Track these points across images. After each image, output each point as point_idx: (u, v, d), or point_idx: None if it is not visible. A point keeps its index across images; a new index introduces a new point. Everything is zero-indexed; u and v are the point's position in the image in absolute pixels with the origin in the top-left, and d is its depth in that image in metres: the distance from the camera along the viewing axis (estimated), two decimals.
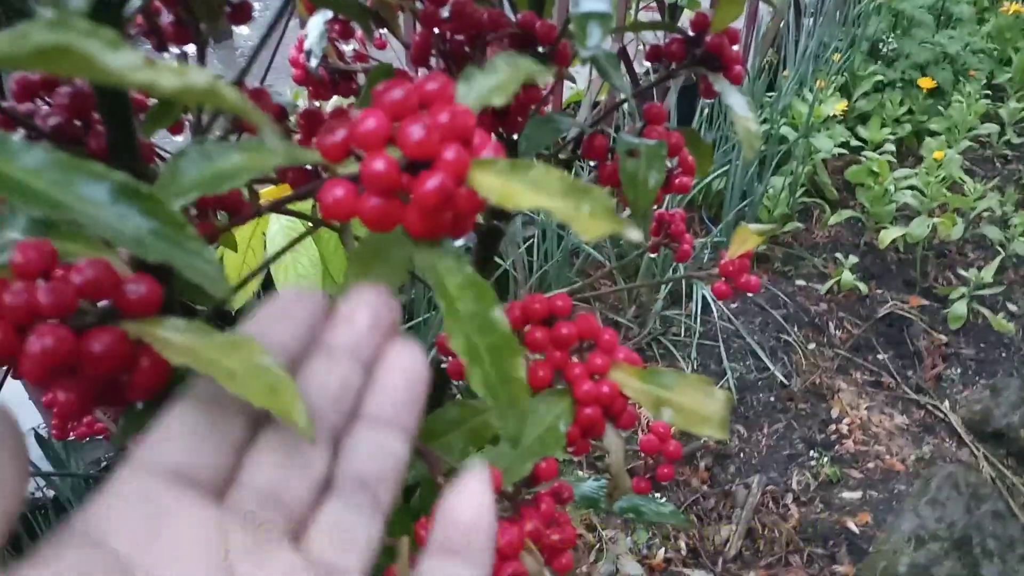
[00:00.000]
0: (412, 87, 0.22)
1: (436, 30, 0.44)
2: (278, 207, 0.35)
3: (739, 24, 0.63)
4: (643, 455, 0.54)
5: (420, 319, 1.56)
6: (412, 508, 0.47)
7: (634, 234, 0.20)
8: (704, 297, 1.82)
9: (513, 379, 0.24)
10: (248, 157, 0.24)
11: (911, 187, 2.09)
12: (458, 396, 0.63)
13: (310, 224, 0.50)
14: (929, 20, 2.68)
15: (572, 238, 1.83)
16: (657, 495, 1.46)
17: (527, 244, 1.82)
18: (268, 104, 0.40)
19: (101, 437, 0.66)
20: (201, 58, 0.37)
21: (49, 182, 0.19)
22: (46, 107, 0.36)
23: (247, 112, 0.19)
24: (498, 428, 0.39)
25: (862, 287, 1.97)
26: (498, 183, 0.22)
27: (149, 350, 0.25)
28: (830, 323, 1.91)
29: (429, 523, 0.31)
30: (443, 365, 0.57)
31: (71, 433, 0.64)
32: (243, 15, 0.39)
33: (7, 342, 0.24)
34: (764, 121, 2.28)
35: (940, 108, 2.54)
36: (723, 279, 0.53)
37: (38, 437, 1.28)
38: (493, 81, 0.30)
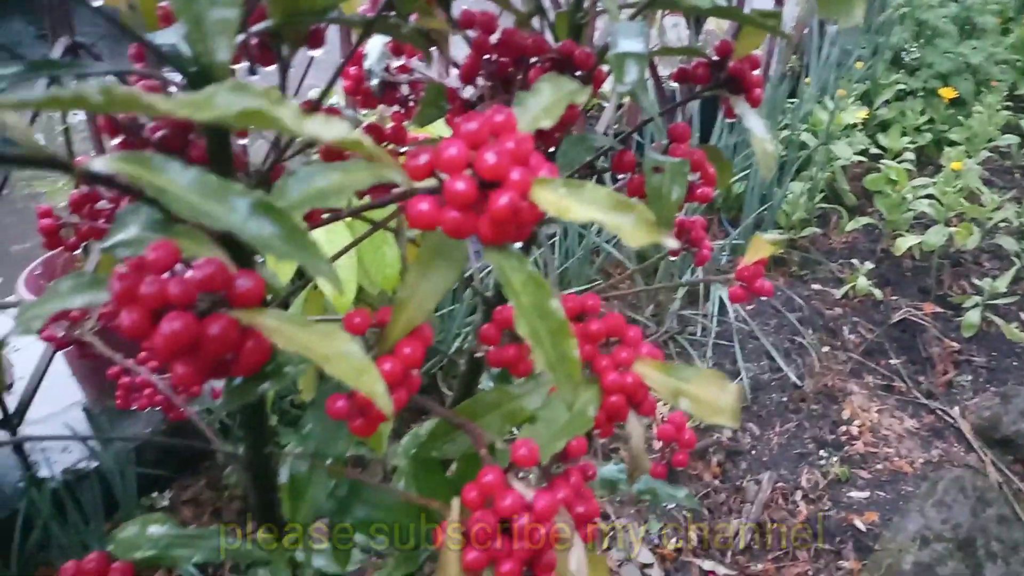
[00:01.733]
0: (484, 119, 0.27)
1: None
2: (354, 213, 0.40)
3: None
4: (660, 443, 0.59)
5: (445, 310, 1.61)
6: (450, 479, 0.53)
7: (670, 243, 0.25)
8: (721, 298, 1.86)
9: (569, 358, 0.29)
10: (343, 177, 0.29)
11: (929, 196, 2.12)
12: (490, 382, 0.68)
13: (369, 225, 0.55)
14: (953, 30, 2.71)
15: (592, 237, 1.88)
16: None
17: (549, 242, 1.86)
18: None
19: (159, 408, 0.71)
20: (282, 78, 0.43)
21: (203, 197, 0.24)
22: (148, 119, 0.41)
23: (380, 158, 0.25)
24: (533, 409, 0.44)
25: (877, 293, 2.01)
26: (555, 199, 0.27)
27: (253, 334, 0.30)
28: (844, 327, 1.95)
29: (474, 489, 0.36)
30: (477, 355, 0.62)
31: (134, 404, 0.70)
32: (318, 40, 0.44)
33: (142, 325, 0.29)
34: (785, 127, 2.31)
35: (961, 118, 2.57)
36: (739, 284, 0.58)
37: (86, 411, 1.35)
38: (543, 102, 0.35)
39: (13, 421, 1.20)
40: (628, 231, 0.26)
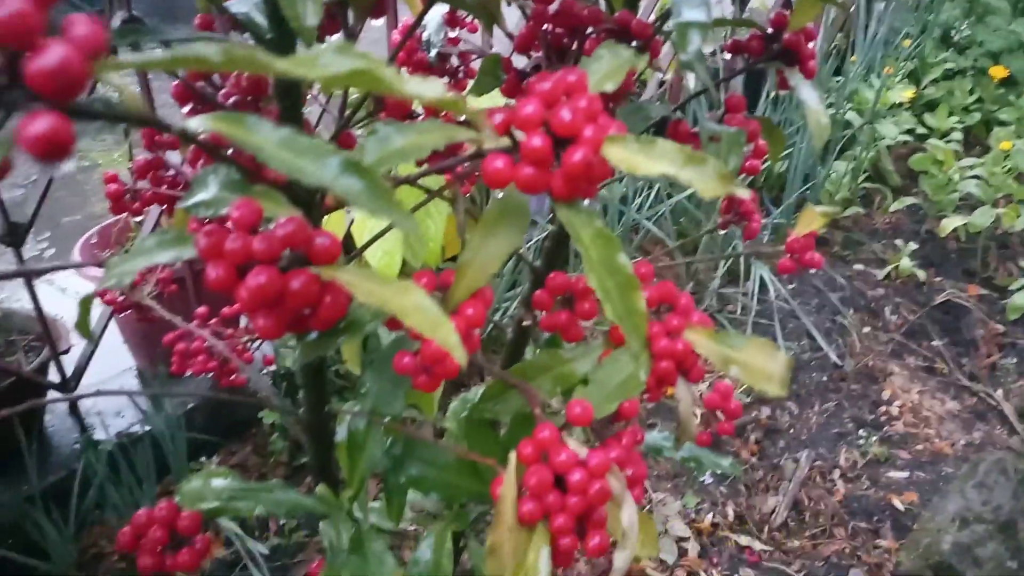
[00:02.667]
0: (558, 79, 0.29)
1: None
2: (410, 180, 0.42)
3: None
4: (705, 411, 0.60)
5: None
6: (501, 440, 0.54)
7: (743, 192, 0.26)
8: (761, 277, 1.85)
9: (636, 311, 0.30)
10: (419, 137, 0.31)
11: (976, 176, 2.08)
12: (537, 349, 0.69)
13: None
14: (1005, 7, 2.64)
15: (632, 214, 1.88)
16: None
17: None
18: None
19: (211, 374, 0.73)
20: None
21: (296, 154, 0.26)
22: (222, 86, 0.43)
23: (474, 118, 0.26)
24: (583, 373, 0.45)
25: (920, 274, 1.98)
26: (627, 154, 0.28)
27: (331, 289, 0.31)
28: (886, 308, 1.93)
29: (530, 445, 0.37)
30: (525, 323, 0.64)
31: (188, 369, 0.72)
32: (382, 9, 0.45)
33: (228, 279, 0.30)
34: (830, 106, 2.28)
35: (1012, 98, 2.51)
36: (788, 256, 0.58)
37: (140, 375, 1.39)
38: (604, 68, 0.36)
39: (70, 384, 1.24)
40: (702, 184, 0.27)
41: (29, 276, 0.85)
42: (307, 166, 0.25)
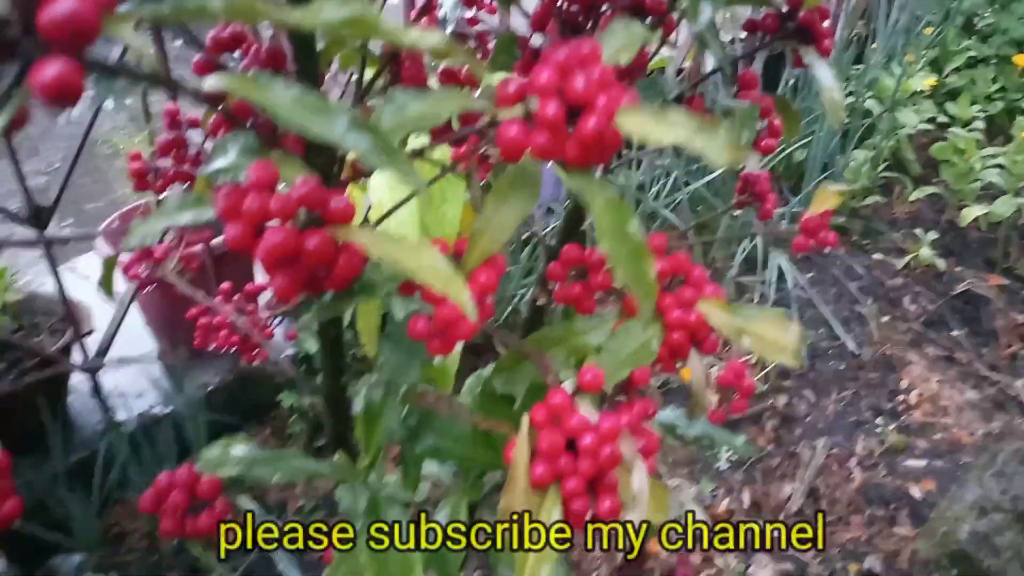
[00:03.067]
0: (572, 49, 0.29)
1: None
2: (420, 154, 0.42)
3: None
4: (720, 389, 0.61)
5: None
6: (515, 412, 0.55)
7: (754, 162, 0.27)
8: (779, 265, 1.85)
9: (646, 278, 0.31)
10: (435, 104, 0.31)
11: (998, 165, 2.06)
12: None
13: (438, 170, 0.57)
14: None
15: (649, 202, 1.88)
16: (723, 446, 1.52)
17: None
18: (420, 64, 0.47)
19: (234, 349, 0.74)
20: None
21: (306, 112, 0.27)
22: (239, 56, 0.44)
23: (474, 67, 0.27)
24: (597, 344, 0.46)
25: (940, 264, 1.97)
26: (640, 122, 0.28)
27: (347, 249, 0.32)
28: (905, 297, 1.92)
29: (543, 409, 0.38)
30: (540, 302, 0.64)
31: (212, 343, 0.73)
32: None
33: (246, 237, 0.31)
34: (849, 94, 2.27)
35: None
36: (803, 234, 0.58)
37: (161, 358, 1.41)
38: (618, 42, 0.36)
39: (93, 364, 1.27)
40: (713, 151, 0.27)
41: (50, 244, 0.86)
42: (317, 122, 0.26)
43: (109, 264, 0.43)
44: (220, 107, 0.34)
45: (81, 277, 1.66)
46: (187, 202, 0.34)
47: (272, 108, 0.28)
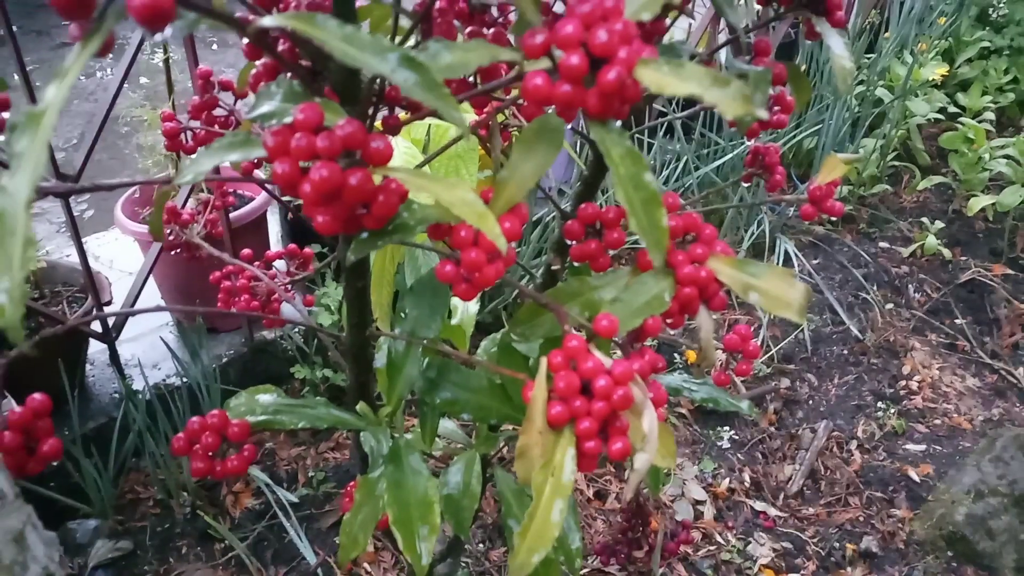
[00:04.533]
0: (596, 3, 0.31)
1: None
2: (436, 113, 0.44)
3: None
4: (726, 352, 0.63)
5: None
6: (532, 368, 0.57)
7: (763, 113, 0.29)
8: (786, 251, 1.86)
9: (659, 226, 0.33)
10: (465, 54, 0.33)
11: (1007, 156, 2.07)
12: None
13: (450, 138, 0.59)
14: None
15: (660, 186, 1.90)
16: (725, 428, 1.54)
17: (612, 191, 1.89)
18: (451, 24, 0.49)
19: (256, 314, 0.76)
20: None
21: (360, 48, 0.29)
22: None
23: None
24: (610, 299, 0.48)
25: (946, 252, 1.98)
26: (658, 75, 0.30)
27: (385, 188, 0.34)
28: (910, 285, 1.94)
29: (559, 354, 0.40)
30: (554, 267, 0.66)
31: (233, 307, 0.75)
32: None
33: (293, 174, 0.33)
34: (861, 82, 2.28)
35: None
36: (810, 203, 0.60)
37: (179, 327, 1.44)
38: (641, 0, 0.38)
39: (111, 334, 1.29)
40: (726, 103, 0.29)
41: (68, 195, 0.88)
42: (369, 58, 0.28)
43: (161, 198, 0.45)
44: (273, 52, 0.36)
45: (93, 257, 1.68)
46: (236, 141, 0.36)
47: (329, 43, 0.30)
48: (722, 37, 0.53)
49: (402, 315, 0.51)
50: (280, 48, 0.44)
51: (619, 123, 0.35)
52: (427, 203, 0.39)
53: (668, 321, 0.48)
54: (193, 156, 0.65)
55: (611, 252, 0.50)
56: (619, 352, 0.46)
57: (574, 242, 0.54)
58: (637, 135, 1.93)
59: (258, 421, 0.52)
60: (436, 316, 0.52)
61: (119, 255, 1.65)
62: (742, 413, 0.65)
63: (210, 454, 0.50)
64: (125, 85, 1.15)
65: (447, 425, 0.64)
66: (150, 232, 0.50)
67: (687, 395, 0.64)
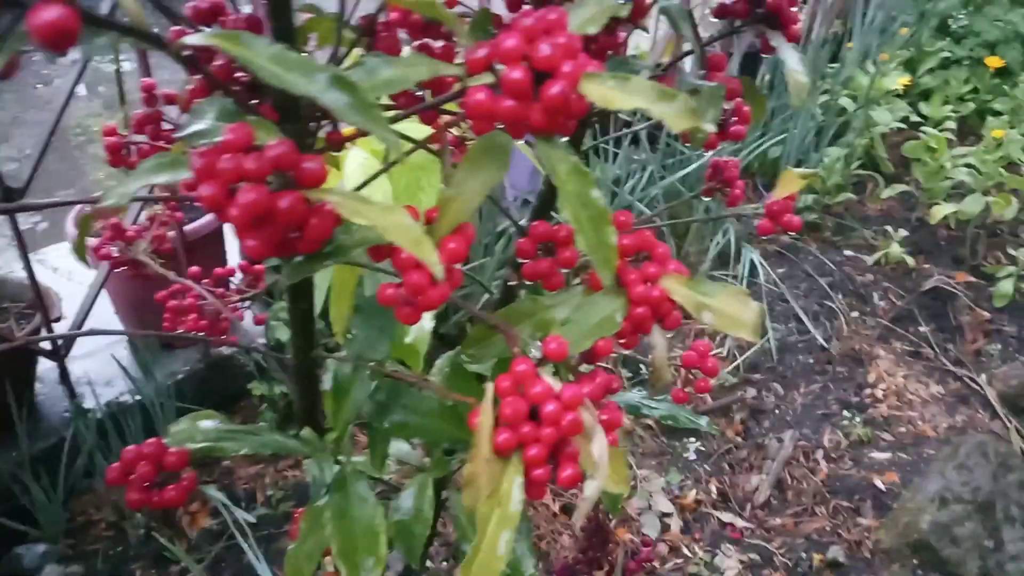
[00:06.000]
0: (539, 16, 0.30)
1: None
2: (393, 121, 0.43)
3: None
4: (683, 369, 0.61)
5: (476, 263, 1.64)
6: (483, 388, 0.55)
7: (710, 126, 0.27)
8: (752, 260, 1.87)
9: (607, 243, 0.32)
10: (405, 69, 0.32)
11: (968, 165, 2.10)
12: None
13: (410, 145, 0.57)
14: None
15: (625, 196, 1.89)
16: (691, 439, 1.53)
17: None
18: (395, 38, 0.47)
19: (202, 334, 0.74)
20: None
21: (287, 68, 0.27)
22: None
23: (451, 20, 0.27)
24: (563, 318, 0.46)
25: (910, 260, 2.00)
26: (603, 90, 0.29)
27: (319, 210, 0.32)
28: (874, 293, 1.95)
29: (507, 378, 0.38)
30: (510, 283, 0.65)
31: (180, 327, 0.73)
32: None
33: (219, 197, 0.32)
34: (825, 92, 2.29)
35: (1006, 88, 2.52)
36: (767, 218, 0.59)
37: (131, 345, 1.40)
38: (588, 13, 0.37)
39: (61, 351, 1.25)
40: (673, 117, 0.28)
41: (13, 212, 0.85)
42: (297, 79, 0.27)
43: (84, 225, 0.42)
44: (202, 70, 0.34)
45: (50, 269, 1.64)
46: (163, 163, 0.34)
47: (254, 63, 0.28)
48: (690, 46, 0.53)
49: (349, 336, 0.49)
50: (218, 63, 0.43)
51: (565, 139, 0.33)
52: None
53: (622, 341, 0.47)
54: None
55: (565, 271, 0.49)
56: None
57: (526, 261, 0.53)
58: (602, 145, 1.93)
59: (198, 448, 0.50)
60: (385, 337, 0.50)
61: (77, 267, 1.61)
62: (701, 430, 0.64)
63: (146, 484, 0.48)
64: (84, 93, 1.12)
65: (400, 446, 0.62)
66: (75, 253, 0.47)
67: (646, 412, 0.63)
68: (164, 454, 0.47)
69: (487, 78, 0.30)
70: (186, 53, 0.31)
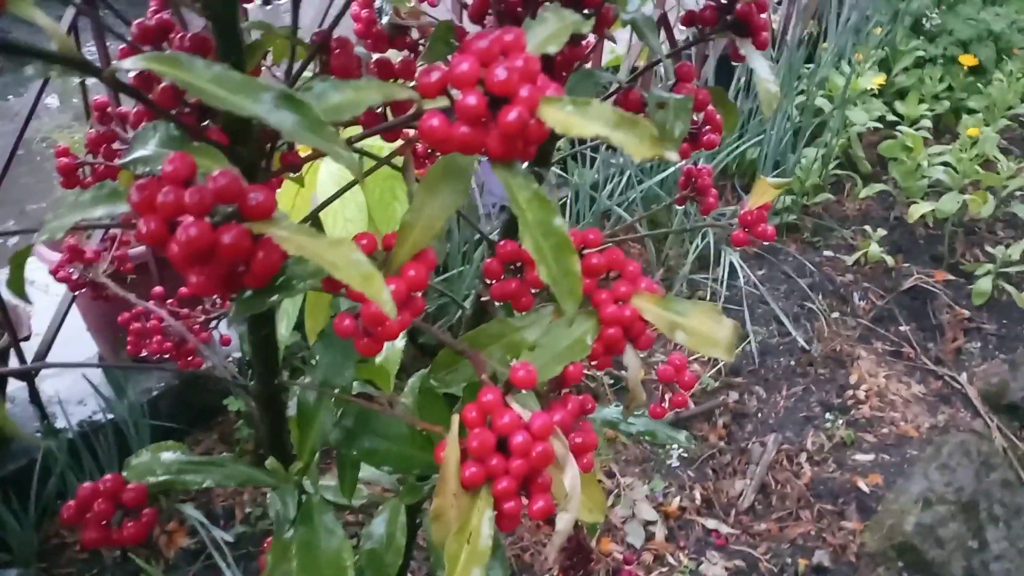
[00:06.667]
0: (495, 38, 0.28)
1: None
2: (350, 143, 0.41)
3: None
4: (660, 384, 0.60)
5: (455, 271, 1.62)
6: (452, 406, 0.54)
7: (672, 155, 0.26)
8: (731, 262, 1.86)
9: (571, 273, 0.30)
10: (356, 94, 0.30)
11: (944, 163, 2.10)
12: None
13: (373, 162, 0.56)
14: None
15: (604, 201, 1.88)
16: (675, 445, 1.52)
17: (560, 204, 1.87)
18: (351, 54, 0.45)
19: (168, 356, 0.72)
20: (295, 12, 0.43)
21: (230, 90, 0.25)
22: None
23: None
24: (534, 340, 0.45)
25: (889, 260, 2.00)
26: (562, 115, 0.28)
27: (265, 244, 0.31)
28: (855, 293, 1.95)
29: (473, 408, 0.37)
30: (483, 298, 0.63)
31: (144, 350, 0.71)
32: None
33: (159, 232, 0.30)
34: (801, 92, 2.30)
35: (980, 86, 2.54)
36: (742, 228, 0.58)
37: (102, 362, 1.37)
38: (547, 31, 0.36)
39: (31, 371, 1.23)
40: (633, 145, 0.27)
41: None
42: (241, 100, 0.25)
43: (17, 260, 0.40)
44: (144, 96, 0.32)
45: (25, 281, 1.60)
46: (101, 196, 0.32)
47: (195, 86, 0.26)
48: (666, 48, 0.51)
49: (312, 362, 0.48)
50: (164, 83, 0.41)
51: (525, 164, 0.32)
52: None
53: (593, 363, 0.45)
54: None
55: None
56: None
57: (493, 281, 0.51)
58: (580, 149, 1.92)
59: (159, 482, 0.48)
60: (350, 361, 0.48)
61: (49, 279, 1.58)
62: (680, 445, 0.63)
63: (104, 522, 0.46)
64: (56, 104, 1.10)
65: (372, 470, 0.61)
66: (11, 289, 0.45)
67: (623, 429, 0.62)
68: (122, 490, 0.45)
69: (442, 101, 0.29)
70: (126, 78, 0.29)
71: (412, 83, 0.52)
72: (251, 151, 0.39)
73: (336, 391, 0.47)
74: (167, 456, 0.49)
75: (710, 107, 0.54)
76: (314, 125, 0.27)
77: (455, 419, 0.37)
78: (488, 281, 0.51)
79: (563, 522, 0.37)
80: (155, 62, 0.27)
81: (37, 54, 0.24)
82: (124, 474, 0.48)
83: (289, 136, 0.26)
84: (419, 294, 0.37)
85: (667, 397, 0.57)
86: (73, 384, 1.34)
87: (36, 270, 1.66)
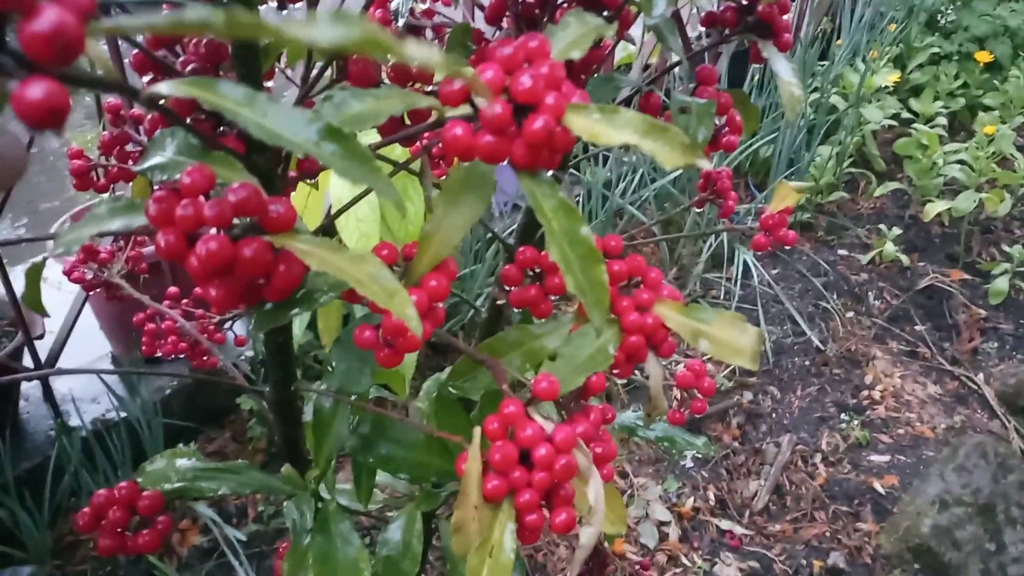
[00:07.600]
0: (519, 45, 0.28)
1: None
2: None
3: None
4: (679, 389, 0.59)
5: (466, 271, 1.61)
6: (471, 419, 0.53)
7: (704, 163, 0.25)
8: (745, 261, 1.85)
9: (598, 283, 0.30)
10: (377, 103, 0.30)
11: (960, 161, 2.08)
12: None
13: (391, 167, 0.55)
14: None
15: (616, 199, 1.87)
16: None
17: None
18: (367, 62, 0.45)
19: (184, 356, 0.71)
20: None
21: (274, 120, 0.25)
22: (180, 54, 0.41)
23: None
24: (553, 349, 0.44)
25: (904, 259, 1.99)
26: (589, 123, 0.27)
27: (286, 258, 0.30)
28: (869, 293, 1.93)
29: (495, 420, 0.36)
30: (499, 302, 0.63)
31: (159, 351, 0.71)
32: None
33: (177, 246, 0.29)
34: (815, 90, 2.28)
35: (996, 83, 2.51)
36: (763, 232, 0.57)
37: (115, 361, 1.37)
38: (571, 35, 0.35)
39: (44, 369, 1.23)
40: (663, 153, 0.26)
41: None
42: (285, 132, 0.24)
43: (33, 273, 0.40)
44: (161, 109, 0.32)
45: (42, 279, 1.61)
46: (118, 207, 0.32)
47: (230, 111, 0.26)
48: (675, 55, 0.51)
49: (329, 368, 0.47)
50: None
51: (549, 172, 0.31)
52: None
53: (615, 372, 0.45)
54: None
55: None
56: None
57: (512, 288, 0.50)
58: (594, 152, 1.90)
59: (174, 489, 0.47)
60: (366, 368, 0.48)
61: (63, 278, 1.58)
62: (698, 451, 0.62)
63: (119, 529, 0.45)
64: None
65: (388, 476, 0.60)
66: (26, 304, 0.45)
67: (641, 435, 0.61)
68: (137, 497, 0.45)
69: (465, 109, 0.28)
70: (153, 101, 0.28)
71: (430, 87, 0.52)
72: (268, 158, 0.38)
73: (353, 398, 0.47)
74: (182, 463, 0.49)
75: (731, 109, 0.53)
76: (359, 158, 0.26)
77: (477, 431, 0.36)
78: (506, 288, 0.50)
79: (587, 536, 0.36)
80: (195, 88, 0.26)
81: (90, 82, 0.23)
82: (139, 480, 0.48)
83: (335, 169, 0.25)
84: (440, 304, 0.36)
85: (686, 403, 0.56)
86: (87, 382, 1.35)
87: (49, 267, 1.66)
